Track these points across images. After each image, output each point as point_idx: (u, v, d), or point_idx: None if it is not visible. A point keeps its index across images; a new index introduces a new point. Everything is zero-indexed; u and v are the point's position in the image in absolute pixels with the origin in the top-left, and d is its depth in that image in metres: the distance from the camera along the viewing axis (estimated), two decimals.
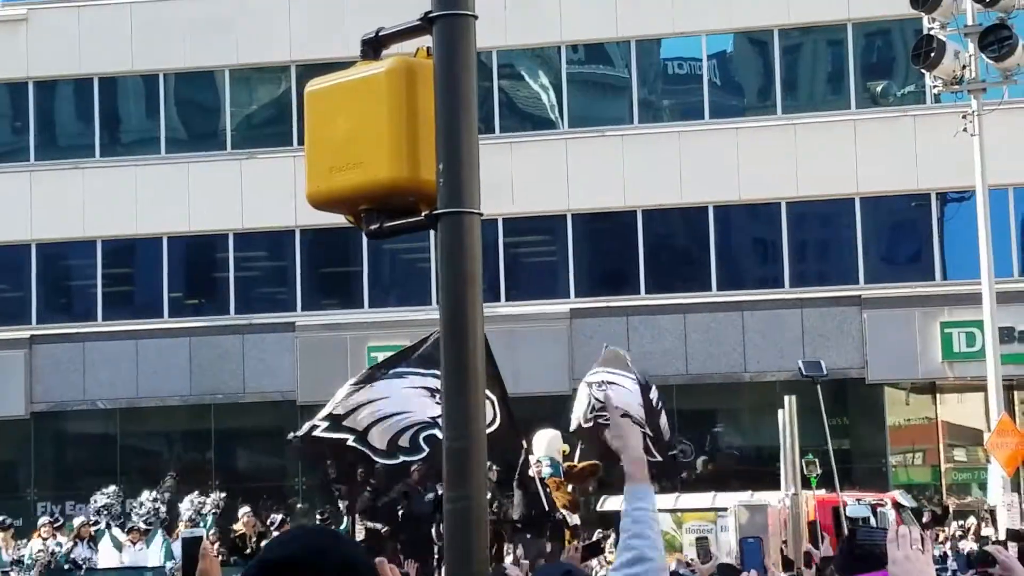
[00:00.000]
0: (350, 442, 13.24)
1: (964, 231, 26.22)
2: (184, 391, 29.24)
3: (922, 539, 3.60)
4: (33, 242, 30.11)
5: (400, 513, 16.37)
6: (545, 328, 27.96)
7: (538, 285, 29.54)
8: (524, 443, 15.10)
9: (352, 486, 15.44)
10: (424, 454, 12.94)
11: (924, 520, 22.57)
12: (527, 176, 27.66)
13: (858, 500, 19.26)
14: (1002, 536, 15.81)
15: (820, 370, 19.85)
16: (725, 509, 20.24)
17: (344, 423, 13.30)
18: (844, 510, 18.16)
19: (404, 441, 13.12)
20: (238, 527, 20.71)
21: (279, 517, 21.31)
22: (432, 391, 13.07)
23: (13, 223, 29.47)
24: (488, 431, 12.65)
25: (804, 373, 19.65)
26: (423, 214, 5.26)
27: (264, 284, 31.13)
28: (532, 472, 15.30)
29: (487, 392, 13.31)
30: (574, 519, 17.11)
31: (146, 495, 22.28)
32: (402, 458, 13.28)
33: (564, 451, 17.66)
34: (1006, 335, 25.42)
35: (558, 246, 29.63)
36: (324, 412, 13.59)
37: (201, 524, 20.67)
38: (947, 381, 28.18)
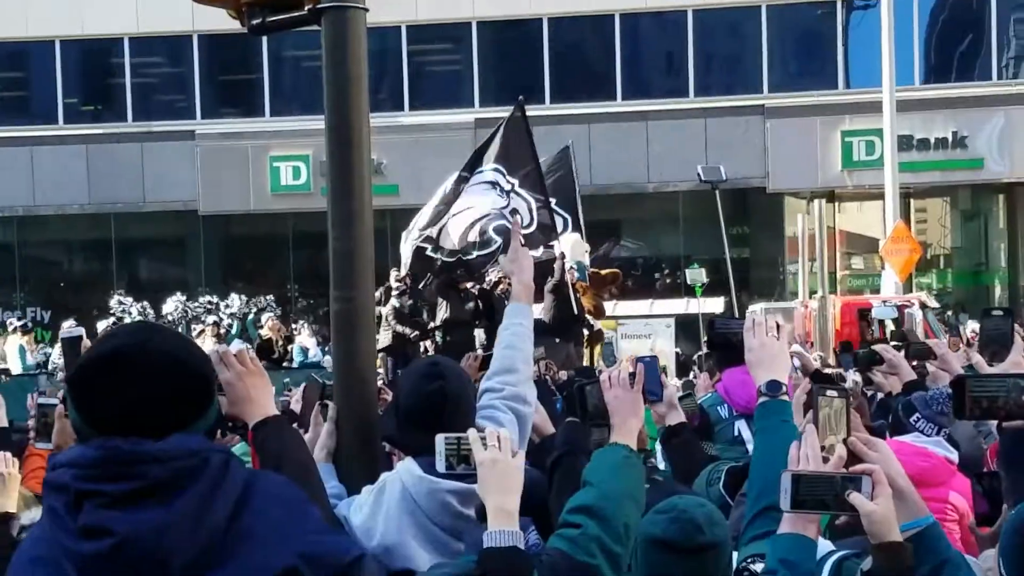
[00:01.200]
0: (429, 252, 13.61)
1: (868, 39, 26.31)
2: (83, 200, 28.78)
3: (777, 327, 3.69)
4: None
5: (440, 317, 16.63)
6: (449, 138, 27.76)
7: (443, 94, 29.26)
8: (559, 247, 15.16)
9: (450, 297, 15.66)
10: (496, 245, 13.10)
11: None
12: None
13: (884, 302, 19.19)
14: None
15: (719, 176, 19.98)
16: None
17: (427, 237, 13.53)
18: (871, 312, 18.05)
19: (474, 235, 13.33)
20: (264, 332, 20.69)
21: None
22: (491, 184, 13.21)
23: None
24: (525, 231, 12.87)
25: (703, 179, 19.79)
26: (306, 8, 5.13)
27: (162, 91, 30.47)
28: (567, 277, 15.46)
29: (521, 192, 13.37)
30: (596, 324, 17.32)
31: None
32: (476, 253, 13.44)
33: (587, 252, 17.72)
34: (904, 143, 25.79)
35: (463, 55, 29.27)
36: (420, 234, 13.73)
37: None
38: (846, 190, 28.60)
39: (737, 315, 18.79)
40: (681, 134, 27.72)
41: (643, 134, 27.98)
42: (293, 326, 22.18)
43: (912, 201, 28.28)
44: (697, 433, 5.61)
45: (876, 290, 25.02)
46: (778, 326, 3.70)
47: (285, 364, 19.60)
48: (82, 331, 4.08)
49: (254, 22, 5.31)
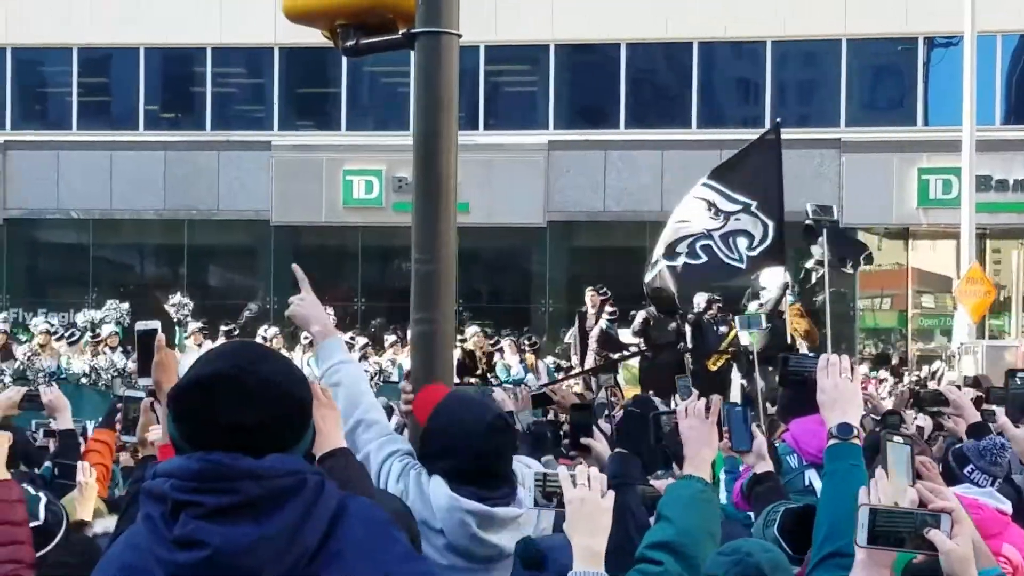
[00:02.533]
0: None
1: (949, 77, 26.08)
2: (158, 205, 29.14)
3: (852, 368, 3.65)
4: (8, 46, 29.63)
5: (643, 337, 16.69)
6: (522, 159, 27.84)
7: (517, 115, 29.34)
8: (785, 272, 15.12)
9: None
10: (701, 261, 13.18)
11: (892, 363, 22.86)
12: (511, 3, 27.19)
13: None
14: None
15: (831, 214, 19.75)
16: None
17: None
18: None
19: (682, 247, 13.49)
20: (468, 345, 19.64)
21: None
22: (709, 204, 13.28)
23: None
24: (757, 250, 13.00)
25: (811, 216, 19.54)
26: (400, 32, 5.18)
27: (241, 101, 30.81)
28: (783, 304, 15.45)
29: (759, 214, 13.43)
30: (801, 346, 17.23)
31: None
32: (682, 260, 13.57)
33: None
34: (983, 183, 25.48)
35: (539, 76, 29.33)
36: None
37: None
38: (920, 228, 28.31)
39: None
40: None
41: (717, 162, 27.83)
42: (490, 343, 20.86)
43: (988, 242, 27.91)
44: None
45: (947, 331, 24.71)
46: (852, 367, 3.66)
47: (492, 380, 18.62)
48: (158, 324, 4.07)
49: (347, 44, 5.38)
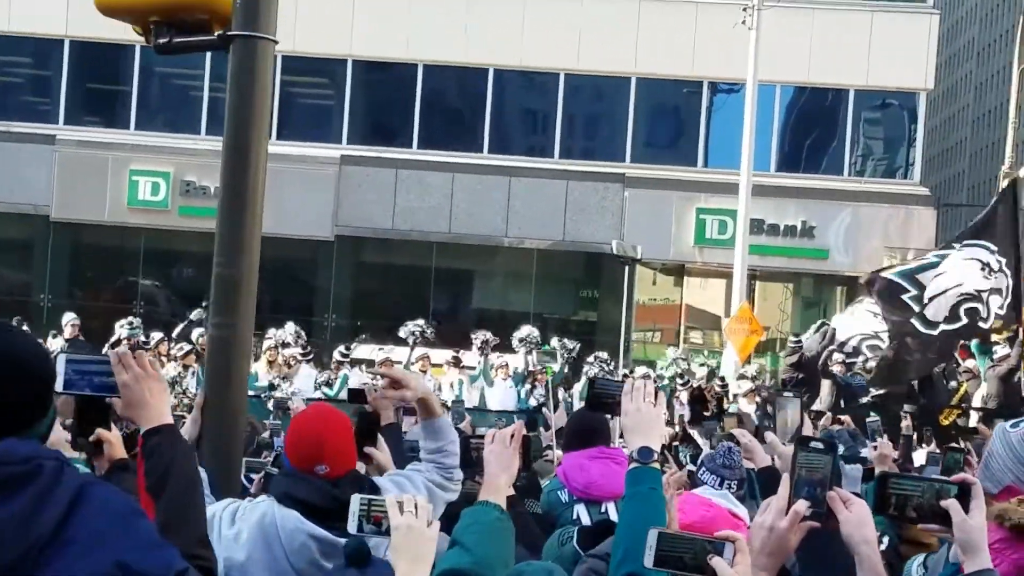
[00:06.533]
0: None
1: (729, 122, 27.07)
2: None
3: (655, 392, 3.70)
4: None
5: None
6: (314, 171, 27.73)
7: (311, 127, 29.20)
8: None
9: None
10: (960, 325, 13.17)
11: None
12: (312, 15, 27.08)
13: None
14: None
15: (635, 252, 20.05)
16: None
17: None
18: None
19: (946, 310, 13.58)
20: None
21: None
22: (983, 264, 13.13)
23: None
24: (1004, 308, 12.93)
25: (615, 252, 19.81)
26: (216, 34, 5.20)
27: (26, 92, 29.82)
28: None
29: (1007, 271, 13.22)
30: None
31: None
32: (942, 327, 13.53)
33: None
34: (756, 226, 26.51)
35: (335, 90, 29.30)
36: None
37: None
38: (695, 265, 29.24)
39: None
40: (542, 193, 28.09)
41: (505, 188, 28.28)
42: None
43: (757, 283, 29.00)
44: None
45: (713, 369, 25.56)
46: (656, 392, 3.70)
47: None
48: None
49: (160, 41, 5.36)
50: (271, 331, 18.83)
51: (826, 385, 17.54)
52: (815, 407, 15.55)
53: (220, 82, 26.68)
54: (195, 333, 19.08)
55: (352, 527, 3.29)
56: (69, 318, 19.23)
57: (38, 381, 2.59)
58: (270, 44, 5.18)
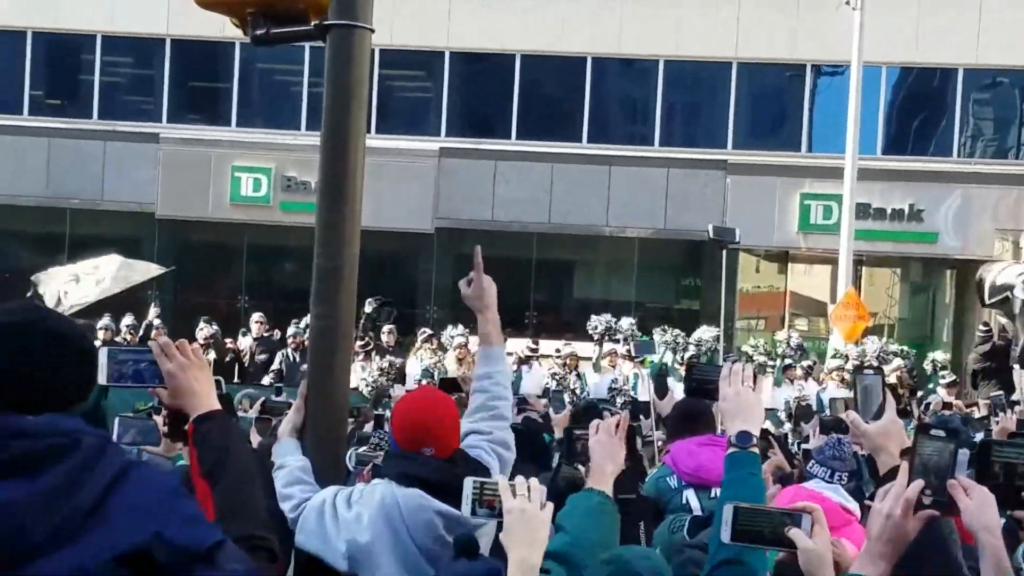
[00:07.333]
0: None
1: (834, 105, 26.66)
2: (39, 192, 28.53)
3: (754, 376, 3.68)
4: None
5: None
6: (413, 164, 27.83)
7: (409, 121, 29.31)
8: None
9: None
10: None
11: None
12: (409, 8, 27.18)
13: None
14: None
15: (733, 236, 19.91)
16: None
17: None
18: None
19: None
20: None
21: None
22: None
23: None
24: None
25: (712, 236, 19.75)
26: (312, 24, 5.15)
27: (130, 91, 30.31)
28: None
29: None
30: None
31: None
32: None
33: None
34: (862, 211, 26.10)
35: (433, 83, 29.35)
36: None
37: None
38: (800, 251, 28.87)
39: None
40: (643, 182, 27.91)
41: (605, 178, 28.14)
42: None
43: (863, 268, 28.57)
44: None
45: (821, 354, 25.23)
46: (755, 377, 3.69)
47: None
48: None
49: (257, 32, 5.33)
50: (452, 328, 19.25)
51: (1019, 372, 17.31)
52: (1014, 397, 15.24)
53: (319, 77, 26.92)
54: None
55: (467, 510, 3.30)
56: (257, 316, 19.66)
57: (78, 361, 2.69)
58: (367, 33, 5.10)
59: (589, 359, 19.97)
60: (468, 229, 28.53)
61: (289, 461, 4.38)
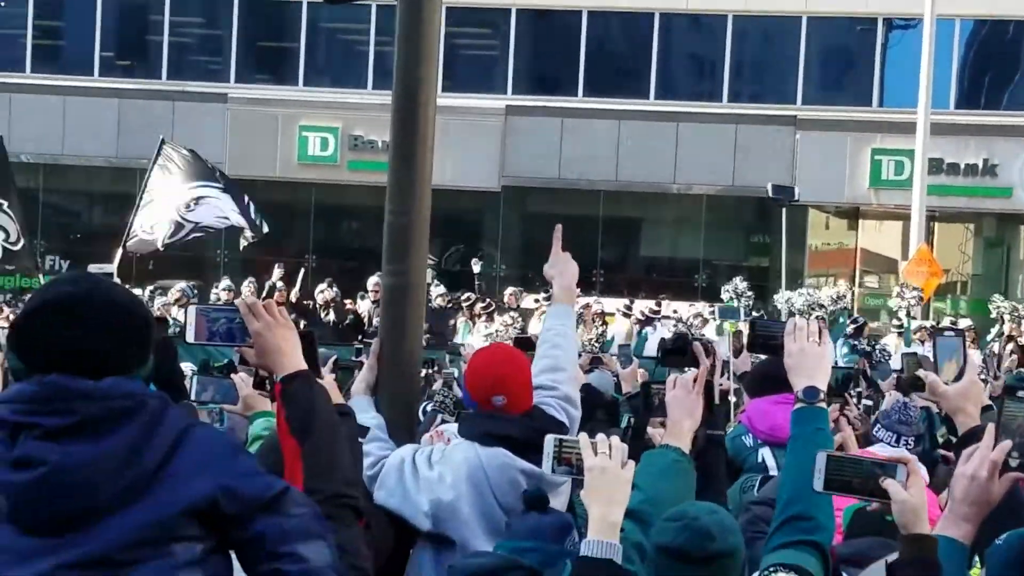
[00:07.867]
0: None
1: (906, 60, 26.27)
2: (110, 152, 28.82)
3: (820, 332, 3.61)
4: None
5: None
6: (480, 123, 27.79)
7: (476, 79, 29.24)
8: None
9: None
10: None
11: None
12: None
13: None
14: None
15: (792, 195, 19.77)
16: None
17: None
18: None
19: None
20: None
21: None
22: None
23: None
24: None
25: (772, 196, 19.63)
26: None
27: (198, 52, 30.50)
28: None
29: None
30: None
31: None
32: None
33: None
34: (935, 166, 25.75)
35: (499, 40, 29.26)
36: None
37: None
38: (871, 207, 28.55)
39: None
40: (710, 138, 27.68)
41: (673, 134, 27.95)
42: None
43: (936, 224, 28.21)
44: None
45: (891, 312, 24.98)
46: (820, 331, 3.62)
47: None
48: (112, 269, 4.12)
49: None
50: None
51: None
52: None
53: (385, 36, 26.98)
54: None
55: (547, 467, 3.29)
56: (374, 281, 18.72)
57: (137, 327, 2.75)
58: None
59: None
60: (535, 187, 28.51)
61: (363, 419, 4.41)
